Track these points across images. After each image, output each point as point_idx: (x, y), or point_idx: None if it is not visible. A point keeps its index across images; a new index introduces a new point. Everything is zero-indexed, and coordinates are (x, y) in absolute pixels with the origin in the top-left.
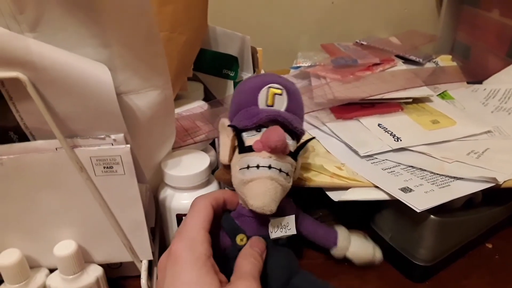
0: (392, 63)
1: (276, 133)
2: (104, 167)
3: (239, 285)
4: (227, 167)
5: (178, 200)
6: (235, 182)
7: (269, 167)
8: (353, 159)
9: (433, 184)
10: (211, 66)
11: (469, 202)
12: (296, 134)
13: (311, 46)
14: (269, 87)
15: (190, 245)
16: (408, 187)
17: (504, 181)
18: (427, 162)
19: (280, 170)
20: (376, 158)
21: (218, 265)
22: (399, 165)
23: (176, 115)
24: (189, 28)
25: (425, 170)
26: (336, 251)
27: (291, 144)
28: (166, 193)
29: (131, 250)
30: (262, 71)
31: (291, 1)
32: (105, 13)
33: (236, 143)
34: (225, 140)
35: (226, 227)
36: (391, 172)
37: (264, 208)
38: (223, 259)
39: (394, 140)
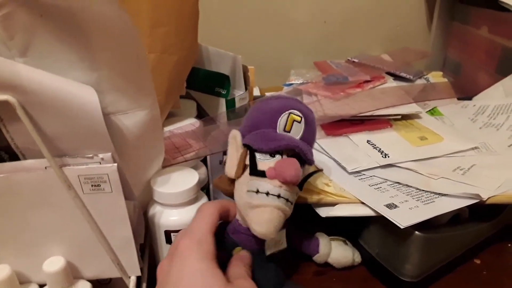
0: (382, 80)
1: (293, 168)
2: (92, 185)
3: (239, 284)
4: (229, 178)
5: (166, 217)
6: (240, 201)
7: (278, 196)
8: (341, 175)
9: (418, 200)
10: (204, 84)
11: (455, 218)
12: (305, 163)
13: (305, 64)
14: (290, 112)
15: (198, 242)
16: (393, 203)
17: (488, 197)
18: (414, 178)
19: (287, 200)
20: (364, 174)
21: None
22: (386, 181)
23: (168, 133)
24: (180, 48)
25: (411, 186)
26: (318, 257)
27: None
28: (155, 210)
29: (120, 266)
30: (255, 89)
31: (285, 20)
32: (93, 38)
33: (248, 163)
34: (233, 153)
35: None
36: (378, 188)
37: (266, 235)
38: None
39: (382, 156)
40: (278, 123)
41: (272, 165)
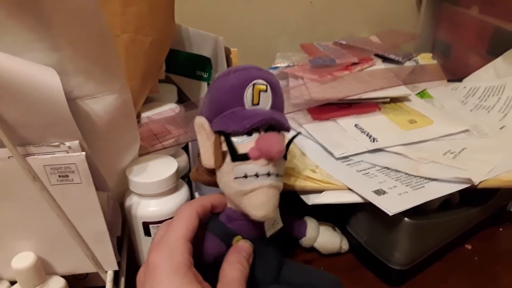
0: (370, 63)
1: (276, 142)
2: (59, 176)
3: None
4: (207, 169)
5: (144, 208)
6: (229, 191)
7: (268, 174)
8: (328, 160)
9: (407, 185)
10: (184, 68)
11: (446, 203)
12: (283, 128)
13: (291, 46)
14: (254, 84)
15: (169, 255)
16: (381, 189)
17: (480, 182)
18: (403, 163)
19: (277, 175)
20: (351, 159)
21: (208, 272)
22: (374, 167)
23: (146, 119)
24: (155, 29)
25: (400, 171)
26: (305, 241)
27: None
28: (132, 201)
29: (95, 261)
30: None
31: (269, 1)
32: (52, 16)
33: (227, 150)
34: (206, 143)
35: (217, 233)
36: (366, 174)
37: (267, 216)
38: (215, 265)
39: (370, 140)
40: (244, 99)
41: (252, 145)
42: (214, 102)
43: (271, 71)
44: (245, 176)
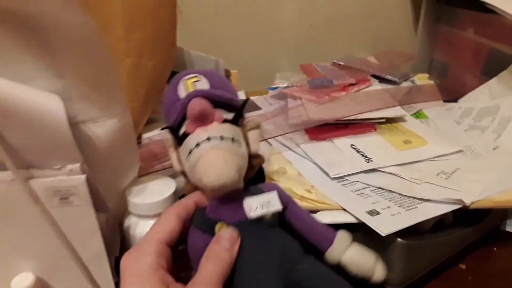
0: (367, 83)
1: (195, 101)
2: (60, 198)
3: None
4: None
5: (142, 228)
6: (189, 175)
7: (208, 139)
8: (324, 180)
9: (400, 206)
10: None
11: (439, 223)
12: (232, 106)
13: (291, 67)
14: (184, 79)
15: (136, 257)
16: (375, 210)
17: (472, 202)
18: (397, 183)
19: (221, 138)
20: (347, 179)
21: None
22: (368, 187)
23: (147, 140)
24: (158, 53)
25: (393, 191)
26: (331, 251)
27: (227, 114)
28: (131, 221)
29: (92, 282)
30: (240, 93)
31: (269, 22)
32: (57, 45)
33: (175, 141)
34: (169, 150)
35: (198, 225)
36: (360, 194)
37: (221, 178)
38: None
39: (366, 161)
40: (179, 94)
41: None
42: (165, 117)
43: (271, 91)
44: (190, 151)
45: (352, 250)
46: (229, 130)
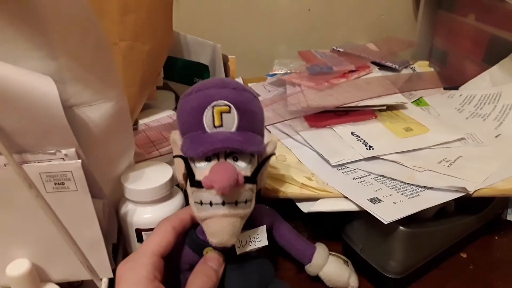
0: (367, 70)
1: (225, 176)
2: (55, 183)
3: None
4: None
5: (139, 215)
6: (193, 207)
7: (223, 203)
8: (324, 168)
9: (402, 194)
10: (182, 75)
11: (441, 212)
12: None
13: (289, 53)
14: (214, 106)
15: (132, 268)
16: (377, 198)
17: (475, 190)
18: (398, 171)
19: (236, 203)
20: (347, 167)
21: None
22: (370, 175)
23: (143, 126)
24: (153, 37)
25: (395, 179)
26: (310, 267)
27: (247, 168)
28: (127, 208)
29: (90, 268)
30: (237, 80)
31: (268, 8)
32: (50, 25)
33: (186, 173)
34: (178, 160)
35: (190, 245)
36: (362, 181)
37: (223, 243)
38: None
39: (366, 148)
40: (204, 123)
41: (207, 172)
42: (179, 122)
43: (269, 78)
44: (201, 203)
45: (328, 267)
46: (245, 192)
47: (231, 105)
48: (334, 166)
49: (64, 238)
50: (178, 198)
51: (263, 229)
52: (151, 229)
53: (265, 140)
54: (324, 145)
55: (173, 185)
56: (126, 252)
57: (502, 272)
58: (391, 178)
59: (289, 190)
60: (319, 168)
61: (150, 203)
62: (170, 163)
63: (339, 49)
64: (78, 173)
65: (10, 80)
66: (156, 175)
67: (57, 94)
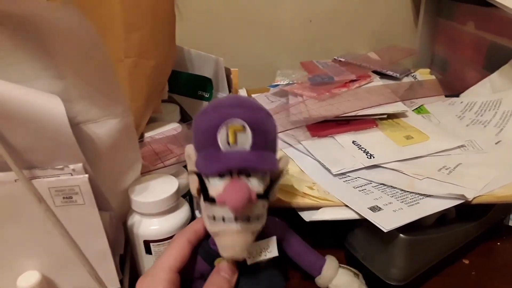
0: (368, 79)
1: (239, 194)
2: (63, 198)
3: None
4: None
5: (146, 227)
6: (205, 220)
7: (236, 219)
8: (325, 177)
9: (402, 202)
10: (186, 88)
11: (442, 218)
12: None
13: (292, 64)
14: (229, 124)
15: (149, 284)
16: (377, 206)
17: (474, 198)
18: (398, 179)
19: (248, 219)
20: (348, 176)
21: None
22: (370, 183)
23: (149, 139)
24: (157, 52)
25: (395, 187)
26: (319, 279)
27: (260, 185)
28: (134, 220)
29: (98, 279)
30: (241, 91)
31: (269, 20)
32: (56, 46)
33: (200, 188)
34: (192, 174)
35: (202, 255)
36: (362, 190)
37: (234, 257)
38: None
39: (367, 157)
40: (218, 140)
41: (221, 189)
42: (194, 138)
43: (272, 88)
44: (214, 218)
45: (338, 279)
46: (258, 208)
47: (246, 125)
48: (335, 175)
49: (73, 250)
50: (185, 209)
51: (273, 240)
52: (159, 240)
53: (277, 156)
54: (325, 154)
55: (179, 197)
56: (133, 263)
57: (505, 278)
58: (391, 186)
59: (291, 199)
60: (321, 177)
61: (157, 215)
62: (175, 174)
63: (341, 59)
64: (86, 187)
65: (20, 100)
66: (162, 187)
67: (64, 113)
